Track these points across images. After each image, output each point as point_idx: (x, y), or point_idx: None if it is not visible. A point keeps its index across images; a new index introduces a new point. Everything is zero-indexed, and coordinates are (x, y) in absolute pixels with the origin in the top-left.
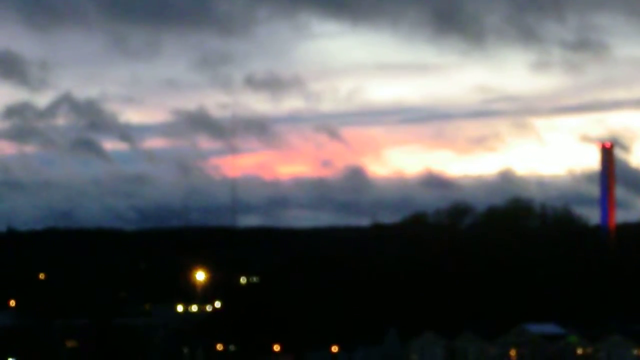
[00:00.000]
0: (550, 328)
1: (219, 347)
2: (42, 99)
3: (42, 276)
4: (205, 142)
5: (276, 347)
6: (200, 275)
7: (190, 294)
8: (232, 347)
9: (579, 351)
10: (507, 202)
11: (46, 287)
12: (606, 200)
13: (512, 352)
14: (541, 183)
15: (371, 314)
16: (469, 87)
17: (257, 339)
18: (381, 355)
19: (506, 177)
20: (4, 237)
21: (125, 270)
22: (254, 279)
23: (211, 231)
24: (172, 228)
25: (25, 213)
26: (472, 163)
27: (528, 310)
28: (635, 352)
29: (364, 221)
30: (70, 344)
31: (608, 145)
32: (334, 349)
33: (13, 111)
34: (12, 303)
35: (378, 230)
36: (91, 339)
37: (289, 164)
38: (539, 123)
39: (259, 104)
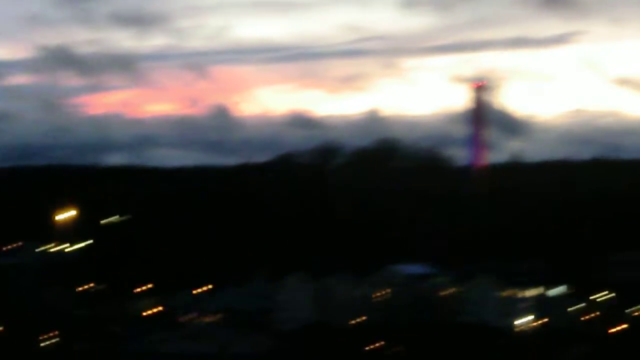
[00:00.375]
0: (418, 268)
1: (87, 286)
2: None
3: None
4: (69, 80)
5: (144, 287)
6: (66, 214)
7: (56, 232)
8: (99, 286)
9: (447, 291)
10: (375, 143)
11: None
12: (476, 140)
13: (381, 292)
14: (410, 123)
15: (239, 254)
16: (338, 26)
17: (124, 278)
18: (249, 295)
19: (374, 117)
20: None
21: None
22: (122, 218)
23: (76, 169)
24: (36, 166)
25: None
26: (341, 103)
27: (397, 251)
28: (500, 292)
29: (233, 160)
30: None
31: (478, 85)
32: (202, 288)
33: None
34: None
35: (246, 169)
36: None
37: (155, 102)
38: (409, 63)
39: (124, 40)
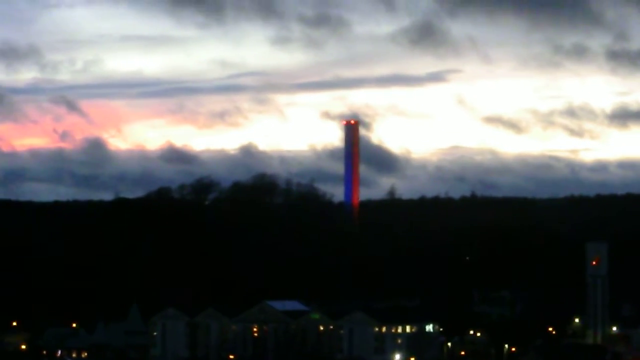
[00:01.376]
0: (292, 305)
1: None
2: None
3: None
4: None
5: (14, 323)
6: None
7: None
8: None
9: (322, 327)
10: (252, 178)
11: None
12: (350, 177)
13: (255, 328)
14: (284, 159)
15: (114, 290)
16: (210, 61)
17: None
18: (123, 331)
19: (248, 153)
20: None
21: None
22: None
23: None
24: None
25: None
26: (214, 138)
27: (271, 288)
28: (375, 329)
29: (106, 195)
30: None
31: (352, 122)
32: (74, 324)
33: None
34: None
35: (121, 205)
36: None
37: (26, 136)
38: (281, 99)
39: None
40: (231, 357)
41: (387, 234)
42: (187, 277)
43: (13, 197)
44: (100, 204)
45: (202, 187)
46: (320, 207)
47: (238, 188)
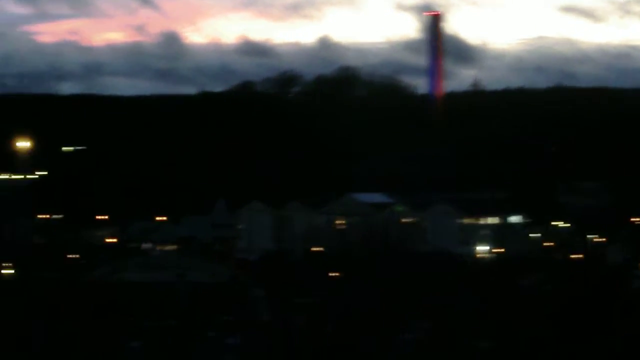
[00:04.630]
0: (377, 197)
1: (44, 216)
2: None
3: None
4: (12, 7)
5: (101, 217)
6: (22, 143)
7: (12, 162)
8: (56, 216)
9: (405, 219)
10: (335, 71)
11: None
12: (433, 68)
13: (339, 220)
14: (361, 51)
15: (200, 184)
16: None
17: (82, 208)
18: (210, 224)
19: (325, 45)
20: None
21: None
22: (78, 147)
23: (30, 98)
24: None
25: None
26: (289, 31)
27: (355, 180)
28: (459, 220)
29: (186, 89)
30: None
31: (435, 13)
32: (160, 218)
33: None
34: None
35: (206, 98)
36: None
37: (103, 31)
38: None
39: None
40: (316, 249)
41: (472, 125)
42: (272, 170)
43: (94, 91)
44: (184, 98)
45: (286, 80)
46: (405, 99)
47: (321, 81)
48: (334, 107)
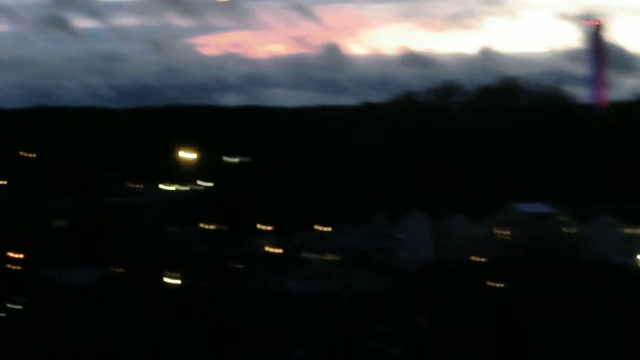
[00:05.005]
0: (539, 207)
1: (207, 226)
2: None
3: (29, 155)
4: (176, 20)
5: (264, 227)
6: (188, 155)
7: (177, 173)
8: (219, 227)
9: (568, 230)
10: (497, 81)
11: (34, 166)
12: (596, 78)
13: (500, 231)
14: (521, 61)
15: (360, 193)
16: None
17: (245, 218)
18: (369, 233)
19: (485, 55)
20: None
21: (113, 149)
22: (242, 159)
23: (194, 110)
24: (155, 106)
25: (5, 91)
26: (449, 41)
27: (517, 190)
28: (622, 230)
29: (346, 100)
30: (59, 223)
31: (596, 22)
32: (322, 227)
33: None
34: (1, 182)
35: (369, 109)
36: (79, 218)
37: (264, 43)
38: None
39: None
40: (477, 259)
41: (636, 135)
42: (433, 179)
43: (257, 103)
44: (346, 108)
45: (448, 91)
46: (567, 109)
47: (483, 91)
48: (496, 117)
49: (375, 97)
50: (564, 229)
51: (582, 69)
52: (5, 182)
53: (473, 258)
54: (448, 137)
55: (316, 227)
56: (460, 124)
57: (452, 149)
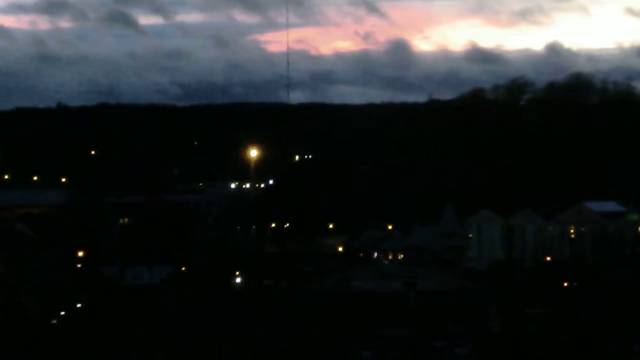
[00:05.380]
0: (610, 206)
1: (273, 224)
2: None
3: (93, 153)
4: (241, 16)
5: (330, 225)
6: (253, 152)
7: (243, 171)
8: (286, 225)
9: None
10: (568, 77)
11: (98, 164)
12: None
13: (571, 230)
14: (591, 57)
15: (427, 191)
16: None
17: (311, 217)
18: (438, 232)
19: (554, 51)
20: (54, 113)
21: (178, 147)
22: (308, 157)
23: (260, 107)
24: (221, 104)
25: (70, 89)
26: (517, 37)
27: (588, 189)
28: None
29: (414, 97)
30: (123, 221)
31: None
32: (389, 226)
33: None
34: (64, 180)
35: (435, 106)
36: (144, 216)
37: (329, 39)
38: None
39: None
40: (547, 259)
41: None
42: (502, 177)
43: (323, 100)
44: (413, 106)
45: (517, 87)
46: (638, 107)
47: (553, 88)
48: (566, 114)
49: (442, 94)
50: (635, 228)
51: None
52: (70, 180)
53: (544, 257)
54: (517, 134)
55: (385, 225)
56: (530, 121)
57: (522, 147)
